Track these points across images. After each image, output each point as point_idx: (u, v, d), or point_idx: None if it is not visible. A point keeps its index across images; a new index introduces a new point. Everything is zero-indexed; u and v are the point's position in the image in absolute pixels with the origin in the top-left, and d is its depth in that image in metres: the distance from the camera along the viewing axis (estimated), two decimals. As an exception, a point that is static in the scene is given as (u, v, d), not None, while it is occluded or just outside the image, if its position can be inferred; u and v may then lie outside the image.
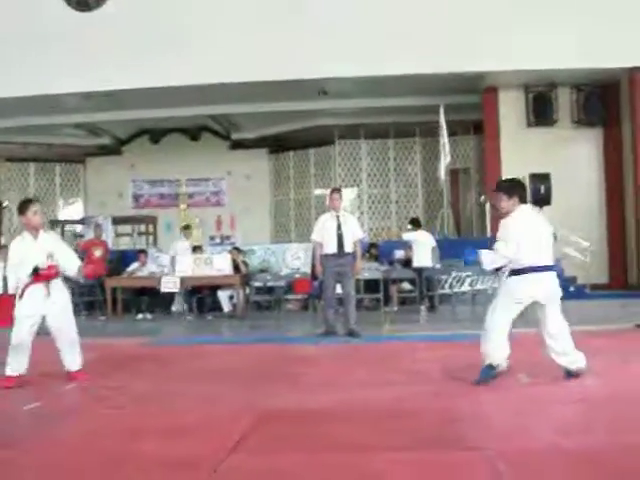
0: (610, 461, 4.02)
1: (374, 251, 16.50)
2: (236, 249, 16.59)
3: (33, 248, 7.07)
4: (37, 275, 6.94)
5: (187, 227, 17.57)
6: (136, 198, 24.79)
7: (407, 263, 15.19)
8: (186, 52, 16.66)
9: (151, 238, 21.98)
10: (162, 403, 6.17)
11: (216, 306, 15.77)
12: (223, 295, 15.65)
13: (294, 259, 17.27)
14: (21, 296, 7.05)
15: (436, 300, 14.64)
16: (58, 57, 16.82)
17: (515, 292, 6.42)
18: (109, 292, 15.03)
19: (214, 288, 15.67)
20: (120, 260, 17.29)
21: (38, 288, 7.00)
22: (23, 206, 7.23)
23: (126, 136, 24.54)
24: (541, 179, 14.83)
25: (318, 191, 23.90)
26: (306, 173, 24.21)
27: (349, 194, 23.44)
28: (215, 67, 16.76)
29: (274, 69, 16.87)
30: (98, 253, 16.19)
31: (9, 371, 6.99)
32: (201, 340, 11.30)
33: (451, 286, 14.27)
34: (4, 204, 22.84)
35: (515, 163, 18.05)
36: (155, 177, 24.43)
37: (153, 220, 22.21)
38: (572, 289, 16.34)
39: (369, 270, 14.62)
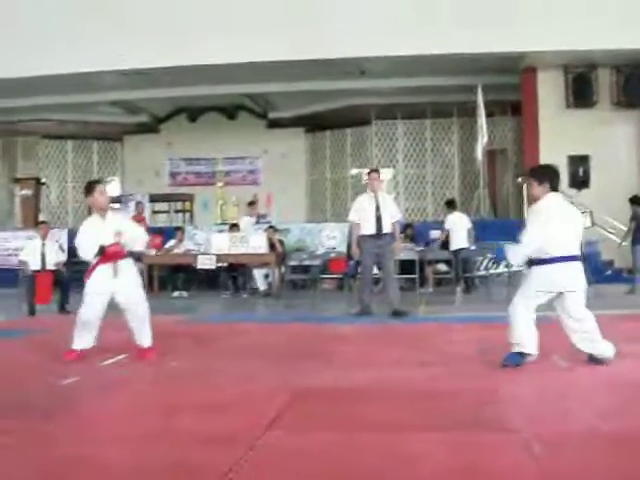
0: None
1: (410, 232, 16.46)
2: (272, 228, 16.63)
3: (101, 229, 7.13)
4: (104, 255, 6.99)
5: (252, 203, 17.70)
6: (173, 176, 24.91)
7: (444, 245, 15.14)
8: (224, 30, 16.66)
9: (188, 216, 22.08)
10: (199, 380, 6.21)
11: (252, 284, 15.85)
12: (259, 274, 15.73)
13: (330, 239, 17.30)
14: (90, 275, 7.14)
15: (472, 281, 14.60)
16: (95, 34, 16.87)
17: (540, 281, 6.33)
18: (146, 269, 15.14)
19: (250, 266, 15.73)
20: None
21: (106, 267, 7.06)
22: (90, 186, 7.31)
23: (163, 114, 24.63)
24: (580, 161, 14.72)
25: (354, 171, 23.88)
26: (342, 153, 24.17)
27: (385, 174, 23.38)
28: (253, 46, 16.73)
29: (312, 48, 16.84)
30: (141, 230, 16.29)
31: (74, 345, 7.13)
32: (237, 318, 11.37)
33: (487, 268, 14.22)
34: (42, 181, 23.07)
35: (553, 145, 17.91)
36: (192, 155, 24.51)
37: (190, 198, 22.30)
38: (609, 272, 16.22)
39: (405, 251, 14.57)
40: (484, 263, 14.26)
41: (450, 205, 15.54)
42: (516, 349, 6.31)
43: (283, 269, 15.72)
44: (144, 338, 7.23)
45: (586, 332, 6.32)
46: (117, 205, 22.19)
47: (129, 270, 7.25)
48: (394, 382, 5.89)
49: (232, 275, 15.92)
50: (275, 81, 19.92)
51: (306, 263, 15.85)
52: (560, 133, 18.13)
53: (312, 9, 16.81)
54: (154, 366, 6.88)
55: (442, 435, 4.25)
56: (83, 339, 7.11)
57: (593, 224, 14.24)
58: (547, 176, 6.56)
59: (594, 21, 16.20)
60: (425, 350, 7.50)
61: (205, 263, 14.82)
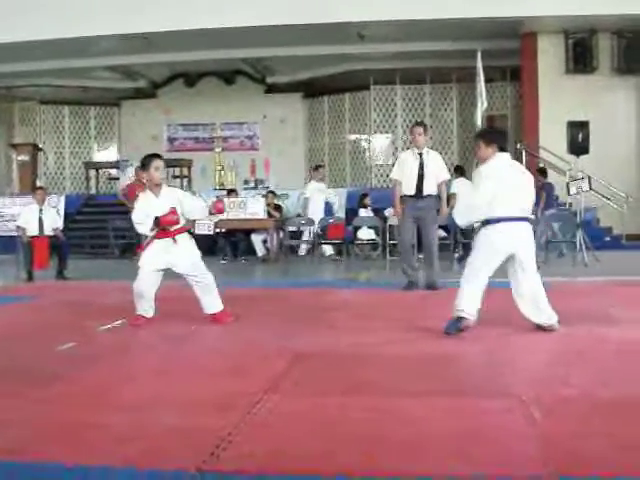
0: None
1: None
2: (272, 193, 16.60)
3: (155, 204, 7.10)
4: (160, 225, 6.98)
5: (317, 167, 17.41)
6: (171, 141, 24.85)
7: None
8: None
9: (186, 181, 22.03)
10: (196, 345, 6.22)
11: (250, 250, 15.84)
12: (257, 239, 15.73)
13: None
14: (145, 248, 7.20)
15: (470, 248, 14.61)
16: (92, -1, 16.81)
17: (489, 243, 6.22)
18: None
19: (248, 232, 15.72)
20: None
21: (162, 241, 7.08)
22: (146, 161, 7.26)
23: (161, 79, 24.50)
24: (579, 127, 14.61)
25: (352, 136, 23.83)
26: (341, 118, 24.12)
27: (383, 140, 23.35)
28: (250, 10, 16.65)
29: (309, 12, 16.75)
30: (142, 195, 16.23)
31: (137, 311, 7.21)
32: (235, 283, 11.36)
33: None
34: (39, 146, 22.98)
35: (553, 110, 17.89)
36: (190, 121, 24.42)
37: (188, 163, 22.23)
38: (608, 239, 16.24)
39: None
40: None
41: (457, 170, 15.44)
42: (455, 314, 6.25)
43: (282, 234, 15.71)
44: (214, 305, 7.23)
45: (530, 308, 6.29)
46: (115, 171, 22.19)
47: (185, 243, 7.24)
48: (395, 347, 5.90)
49: (231, 240, 15.91)
50: (273, 46, 19.79)
51: (304, 229, 15.85)
52: (559, 99, 18.10)
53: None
54: (150, 331, 6.87)
55: (443, 400, 4.25)
56: (144, 308, 7.17)
57: (591, 188, 14.21)
58: (494, 137, 6.51)
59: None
60: (424, 315, 7.50)
61: (203, 228, 14.79)
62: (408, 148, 10.74)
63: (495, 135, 6.65)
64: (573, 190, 13.58)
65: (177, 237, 7.10)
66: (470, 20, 17.10)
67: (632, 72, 18.50)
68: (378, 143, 23.51)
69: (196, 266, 7.22)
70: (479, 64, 17.56)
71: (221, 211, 7.88)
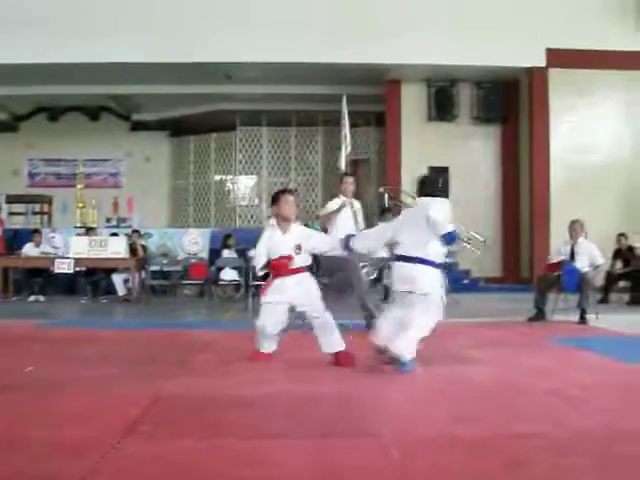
0: (501, 450, 4.10)
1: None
2: (136, 232, 16.39)
3: (281, 241, 7.09)
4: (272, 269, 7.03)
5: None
6: (32, 177, 24.25)
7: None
8: (86, 30, 16.42)
9: (46, 218, 21.51)
10: (52, 387, 6.02)
11: (111, 289, 15.56)
12: (118, 278, 15.46)
13: (192, 244, 17.16)
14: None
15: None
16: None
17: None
18: (0, 272, 14.67)
19: (109, 271, 15.44)
20: (13, 240, 16.88)
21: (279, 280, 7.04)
22: (276, 196, 7.33)
23: (24, 113, 23.92)
24: (439, 173, 15.01)
25: (218, 176, 23.81)
26: (206, 158, 24.07)
27: (248, 181, 23.42)
28: (114, 46, 16.50)
29: (177, 51, 16.73)
30: (-2, 232, 15.84)
31: (260, 348, 7.24)
32: (95, 324, 11.12)
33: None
34: None
35: (415, 156, 18.36)
36: (52, 156, 23.90)
37: (49, 200, 21.73)
38: (466, 282, 16.67)
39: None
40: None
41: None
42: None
43: (143, 274, 15.50)
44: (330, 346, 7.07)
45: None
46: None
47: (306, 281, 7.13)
48: (255, 388, 5.86)
49: (91, 280, 15.59)
50: (139, 83, 19.66)
51: (167, 268, 15.69)
52: (422, 145, 18.59)
53: (177, 11, 16.74)
54: (9, 372, 6.62)
55: (302, 442, 4.25)
56: (266, 346, 7.26)
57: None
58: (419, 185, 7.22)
59: (455, 38, 16.74)
60: (286, 356, 7.49)
61: (62, 267, 14.46)
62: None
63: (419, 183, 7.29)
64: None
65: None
66: (336, 65, 17.42)
67: (490, 121, 19.21)
68: (243, 184, 23.55)
69: (319, 305, 7.11)
70: (344, 109, 17.82)
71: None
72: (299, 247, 7.02)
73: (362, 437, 4.34)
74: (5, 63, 16.88)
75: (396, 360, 6.38)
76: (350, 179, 10.34)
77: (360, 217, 10.16)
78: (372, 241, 7.21)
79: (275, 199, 7.30)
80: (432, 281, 6.62)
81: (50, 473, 3.65)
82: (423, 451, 4.05)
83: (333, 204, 10.24)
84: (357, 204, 10.33)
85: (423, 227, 6.65)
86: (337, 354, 6.98)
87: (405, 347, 6.36)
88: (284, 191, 7.47)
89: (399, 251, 6.67)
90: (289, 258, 6.94)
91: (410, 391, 5.89)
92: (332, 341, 7.02)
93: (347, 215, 9.98)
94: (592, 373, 6.28)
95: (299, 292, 7.01)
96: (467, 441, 4.23)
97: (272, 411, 5.07)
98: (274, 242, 7.10)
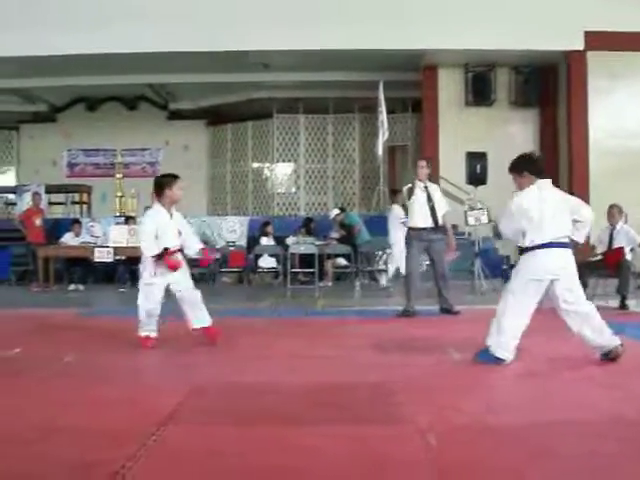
0: (535, 437, 4.07)
1: (313, 225, 16.49)
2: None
3: (169, 225, 7.47)
4: (167, 260, 7.21)
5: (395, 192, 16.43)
6: (71, 167, 24.42)
7: (345, 239, 15.16)
8: (126, 19, 16.43)
9: (85, 207, 21.68)
10: (93, 375, 6.07)
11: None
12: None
13: (230, 232, 17.21)
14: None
15: (376, 275, 14.80)
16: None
17: (525, 272, 6.33)
18: (41, 262, 14.80)
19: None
20: (53, 229, 17.01)
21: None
22: (170, 180, 7.66)
23: (62, 103, 24.10)
24: (477, 158, 14.87)
25: (255, 164, 23.83)
26: (244, 146, 24.09)
27: (286, 169, 23.43)
28: (153, 35, 16.55)
29: (214, 39, 16.74)
30: (38, 222, 15.94)
31: (145, 332, 7.40)
32: (134, 312, 11.15)
33: (385, 262, 14.37)
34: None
35: (452, 141, 18.22)
36: (91, 146, 24.05)
37: (87, 189, 21.90)
38: (505, 267, 16.53)
39: (304, 245, 14.60)
40: (383, 257, 14.44)
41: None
42: (495, 353, 6.17)
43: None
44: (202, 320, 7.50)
45: (586, 326, 6.20)
46: (13, 195, 21.69)
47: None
48: (292, 375, 5.87)
49: (130, 269, 15.66)
50: (176, 72, 19.73)
51: (206, 256, 15.72)
52: (459, 130, 18.46)
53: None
54: (49, 360, 6.69)
55: (339, 428, 4.25)
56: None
57: (490, 220, 14.46)
58: (520, 164, 7.00)
59: (493, 22, 16.56)
60: (323, 343, 7.50)
61: (102, 256, 14.56)
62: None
63: (520, 162, 7.00)
64: (471, 221, 13.76)
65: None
66: (373, 52, 17.34)
67: (528, 105, 19.04)
68: (280, 171, 23.57)
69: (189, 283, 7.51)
70: (381, 95, 17.82)
71: (205, 264, 8.23)
72: (180, 233, 7.56)
73: (398, 424, 4.33)
74: (43, 55, 16.98)
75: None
76: (423, 162, 10.32)
77: (438, 199, 10.14)
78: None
79: (169, 183, 7.66)
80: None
81: (90, 461, 3.67)
82: (459, 439, 4.03)
83: (405, 189, 10.45)
84: (433, 186, 10.35)
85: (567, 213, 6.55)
86: (206, 329, 7.47)
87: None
88: (176, 176, 7.84)
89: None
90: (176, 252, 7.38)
91: (446, 378, 5.86)
92: (201, 316, 7.50)
93: (421, 199, 10.06)
94: (630, 359, 6.20)
95: (178, 274, 7.31)
96: (502, 429, 4.22)
97: (308, 399, 5.08)
98: (164, 224, 7.52)
